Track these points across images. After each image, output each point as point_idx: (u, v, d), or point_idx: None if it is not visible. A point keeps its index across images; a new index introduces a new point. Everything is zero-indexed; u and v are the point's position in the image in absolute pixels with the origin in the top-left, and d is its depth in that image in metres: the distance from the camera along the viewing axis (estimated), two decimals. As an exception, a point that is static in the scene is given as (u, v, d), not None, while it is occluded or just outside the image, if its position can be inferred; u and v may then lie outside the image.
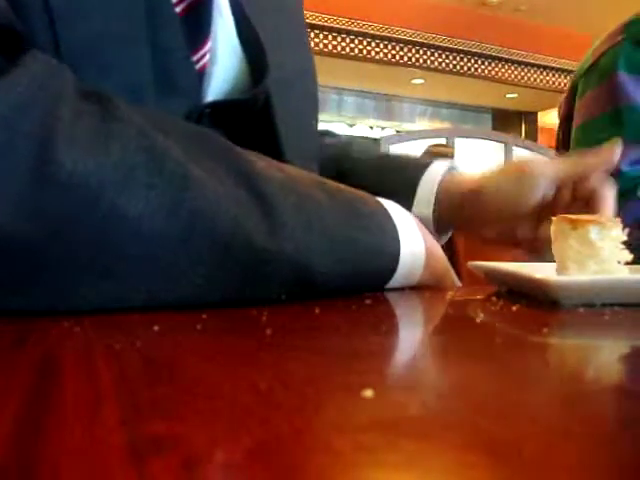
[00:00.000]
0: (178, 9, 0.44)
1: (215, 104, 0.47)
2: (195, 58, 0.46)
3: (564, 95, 1.10)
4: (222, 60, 0.48)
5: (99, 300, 0.32)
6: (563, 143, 1.07)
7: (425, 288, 0.50)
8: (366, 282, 0.43)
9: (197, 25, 0.46)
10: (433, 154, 2.99)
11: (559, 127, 1.11)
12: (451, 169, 0.64)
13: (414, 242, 0.46)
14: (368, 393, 0.16)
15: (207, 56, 0.47)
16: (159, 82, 0.42)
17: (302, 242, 0.37)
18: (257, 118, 0.49)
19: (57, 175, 0.29)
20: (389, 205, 0.46)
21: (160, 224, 0.31)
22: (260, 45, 0.49)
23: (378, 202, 0.46)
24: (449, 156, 3.01)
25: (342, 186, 0.44)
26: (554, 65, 5.84)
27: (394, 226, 0.44)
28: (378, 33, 5.15)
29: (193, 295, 0.34)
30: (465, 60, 5.60)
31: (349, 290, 0.42)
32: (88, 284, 0.31)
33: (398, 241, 0.44)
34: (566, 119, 1.06)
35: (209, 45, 0.47)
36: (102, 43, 0.39)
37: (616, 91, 0.95)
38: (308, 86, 0.61)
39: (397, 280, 0.45)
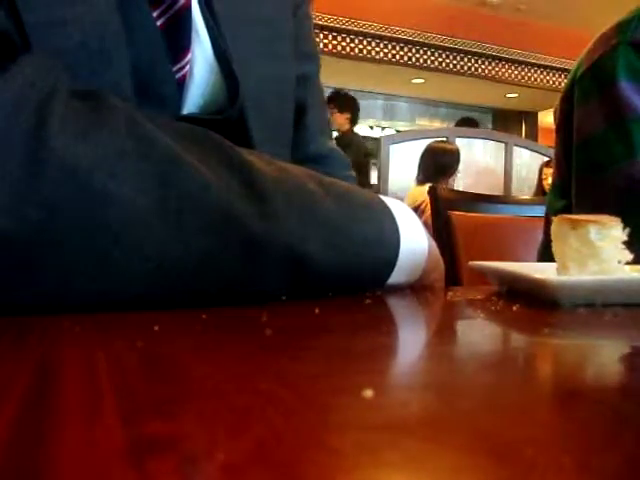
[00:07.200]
0: (159, 22, 0.46)
1: (190, 117, 0.48)
2: (175, 69, 0.48)
3: (560, 97, 1.03)
4: (198, 75, 0.50)
5: (100, 289, 0.32)
6: (564, 147, 1.01)
7: (425, 288, 0.50)
8: (365, 274, 0.43)
9: (177, 38, 0.48)
10: (437, 150, 2.99)
11: (558, 130, 1.04)
12: None
13: (416, 236, 0.46)
14: (368, 393, 0.16)
15: (186, 67, 0.49)
16: (140, 92, 0.43)
17: (296, 228, 0.37)
18: (232, 128, 0.50)
19: (49, 160, 0.29)
20: (390, 201, 0.46)
21: (150, 208, 0.32)
22: (232, 69, 0.51)
23: (376, 196, 0.46)
24: (453, 152, 3.00)
25: (337, 180, 0.44)
26: (554, 65, 5.82)
27: (393, 218, 0.44)
28: (378, 33, 5.14)
29: (188, 282, 0.34)
30: (465, 60, 5.59)
31: (349, 282, 0.42)
32: (87, 272, 0.31)
33: (398, 233, 0.44)
34: (565, 122, 1.00)
35: (188, 57, 0.49)
36: (79, 56, 0.40)
37: (619, 103, 0.87)
38: (286, 93, 0.61)
39: (399, 274, 0.45)
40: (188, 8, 0.48)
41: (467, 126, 4.66)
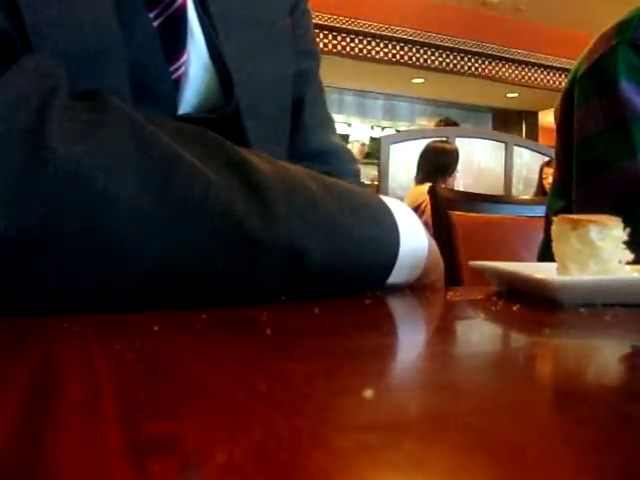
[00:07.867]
0: (156, 23, 0.47)
1: (186, 117, 0.49)
2: (171, 69, 0.48)
3: (559, 98, 1.04)
4: (193, 75, 0.50)
5: (100, 289, 0.32)
6: (564, 147, 1.01)
7: (425, 288, 0.50)
8: (365, 273, 0.43)
9: (173, 39, 0.48)
10: (436, 150, 2.98)
11: (558, 130, 1.04)
12: None
13: (416, 236, 0.46)
14: (368, 393, 0.16)
15: (182, 68, 0.49)
16: (137, 93, 0.44)
17: (296, 229, 0.37)
18: (228, 126, 0.50)
19: (50, 160, 0.29)
20: (390, 201, 0.46)
21: (151, 207, 0.32)
22: (227, 69, 0.51)
23: (376, 196, 0.46)
24: (452, 152, 3.00)
25: (337, 180, 0.44)
26: (554, 65, 5.82)
27: (392, 218, 0.44)
28: (378, 33, 5.14)
29: (188, 281, 0.34)
30: (465, 60, 5.59)
31: (349, 282, 0.42)
32: (87, 271, 0.31)
33: (397, 232, 0.44)
34: (565, 121, 1.00)
35: (184, 57, 0.49)
36: (78, 57, 0.40)
37: (620, 103, 0.87)
38: (282, 92, 0.62)
39: (399, 274, 0.45)
40: (184, 9, 0.49)
41: (447, 126, 4.66)
